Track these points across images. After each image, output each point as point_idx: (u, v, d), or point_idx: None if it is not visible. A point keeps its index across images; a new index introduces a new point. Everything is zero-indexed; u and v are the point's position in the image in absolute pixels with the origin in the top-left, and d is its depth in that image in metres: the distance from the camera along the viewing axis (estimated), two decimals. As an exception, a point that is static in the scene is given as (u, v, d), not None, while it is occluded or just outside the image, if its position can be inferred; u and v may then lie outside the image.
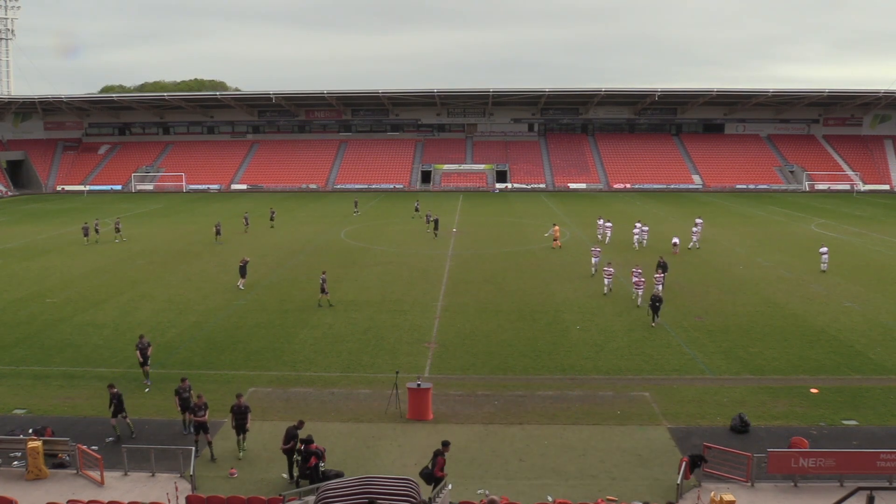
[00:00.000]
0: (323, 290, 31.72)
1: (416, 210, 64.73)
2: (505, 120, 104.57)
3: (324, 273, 32.61)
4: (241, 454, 17.69)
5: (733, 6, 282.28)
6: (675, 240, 44.76)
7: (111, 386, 18.85)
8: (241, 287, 35.52)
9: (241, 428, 17.72)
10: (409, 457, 17.73)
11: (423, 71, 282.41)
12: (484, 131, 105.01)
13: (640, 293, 31.18)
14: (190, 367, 24.04)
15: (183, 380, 19.29)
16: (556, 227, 48.37)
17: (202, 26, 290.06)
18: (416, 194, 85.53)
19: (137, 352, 22.30)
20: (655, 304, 28.82)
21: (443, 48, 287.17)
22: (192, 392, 18.92)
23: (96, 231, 50.71)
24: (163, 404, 20.71)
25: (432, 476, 15.26)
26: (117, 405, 18.54)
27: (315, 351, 25.70)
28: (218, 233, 49.41)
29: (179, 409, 19.01)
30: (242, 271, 36.02)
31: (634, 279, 31.71)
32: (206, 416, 17.91)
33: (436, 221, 53.17)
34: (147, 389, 21.95)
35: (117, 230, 51.51)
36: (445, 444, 15.77)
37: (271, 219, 58.27)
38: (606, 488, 16.11)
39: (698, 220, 48.83)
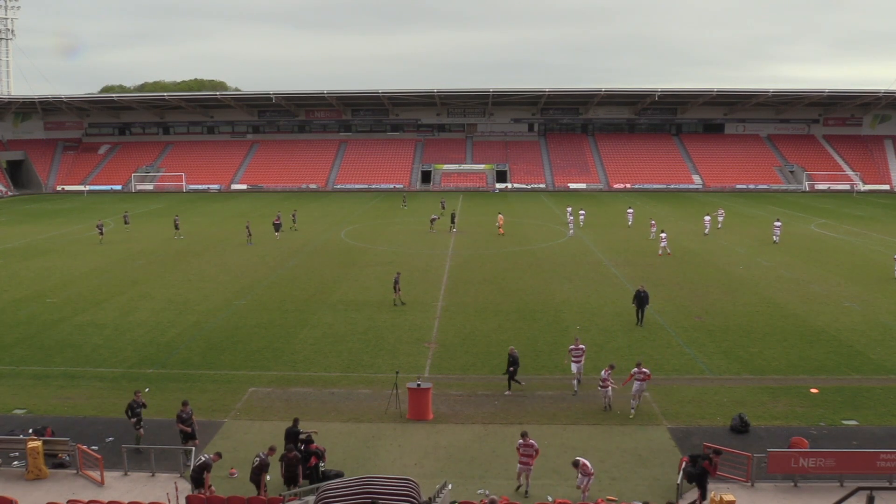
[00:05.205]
0: (395, 289, 31.87)
1: (443, 208, 65.60)
2: (505, 120, 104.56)
3: (398, 273, 32.83)
4: None
5: (733, 6, 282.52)
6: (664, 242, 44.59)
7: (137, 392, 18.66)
8: (277, 238, 49.01)
9: (292, 479, 15.84)
10: (409, 457, 17.73)
11: (423, 71, 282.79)
12: (484, 131, 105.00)
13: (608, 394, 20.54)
14: (190, 367, 24.06)
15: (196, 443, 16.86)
16: (501, 216, 54.19)
17: (202, 26, 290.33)
18: (415, 194, 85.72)
19: (179, 425, 17.69)
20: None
21: (443, 48, 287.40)
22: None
23: (125, 221, 56.47)
24: (162, 404, 20.66)
25: (704, 476, 15.23)
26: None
27: (315, 351, 25.69)
28: (249, 233, 49.24)
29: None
30: (276, 227, 49.93)
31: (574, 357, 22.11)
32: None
33: (452, 216, 56.26)
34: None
35: (176, 227, 53.17)
36: (718, 453, 15.72)
37: (293, 220, 57.25)
38: (606, 488, 16.10)
39: (777, 223, 49.28)
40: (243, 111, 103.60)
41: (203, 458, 15.48)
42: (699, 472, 15.30)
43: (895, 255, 37.99)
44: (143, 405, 18.33)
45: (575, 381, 21.89)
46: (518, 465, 16.23)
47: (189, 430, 17.64)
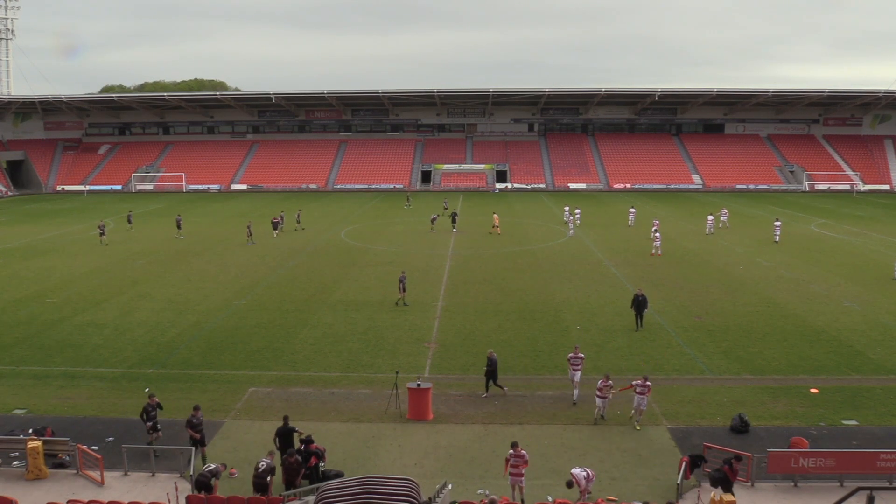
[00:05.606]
0: (401, 289, 31.74)
1: (445, 208, 65.74)
2: (505, 120, 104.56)
3: (403, 273, 32.72)
4: None
5: (733, 6, 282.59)
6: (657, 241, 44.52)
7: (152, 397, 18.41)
8: (275, 236, 50.73)
9: (291, 485, 15.89)
10: (409, 457, 17.74)
11: (423, 71, 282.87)
12: (484, 131, 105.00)
13: (602, 406, 19.76)
14: (190, 367, 24.07)
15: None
16: (496, 216, 54.17)
17: (202, 26, 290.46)
18: (416, 194, 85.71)
19: (189, 430, 17.35)
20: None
21: (443, 48, 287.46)
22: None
23: (129, 221, 56.58)
24: (163, 404, 20.65)
25: (727, 481, 14.89)
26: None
27: (315, 351, 25.70)
28: (250, 233, 49.23)
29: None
30: (275, 226, 51.97)
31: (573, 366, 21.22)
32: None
33: (453, 216, 56.16)
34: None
35: (178, 227, 52.96)
36: (738, 459, 15.48)
37: (297, 220, 56.99)
38: (606, 488, 16.10)
39: (777, 223, 49.81)
40: (243, 111, 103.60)
41: (213, 466, 15.49)
42: (721, 477, 15.05)
43: None
44: (160, 406, 18.16)
45: (575, 391, 20.98)
46: (509, 476, 15.73)
47: (198, 436, 17.26)
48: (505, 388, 21.68)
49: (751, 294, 33.58)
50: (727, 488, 14.98)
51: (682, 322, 29.02)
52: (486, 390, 21.59)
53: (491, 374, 21.39)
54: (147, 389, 21.81)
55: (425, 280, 36.94)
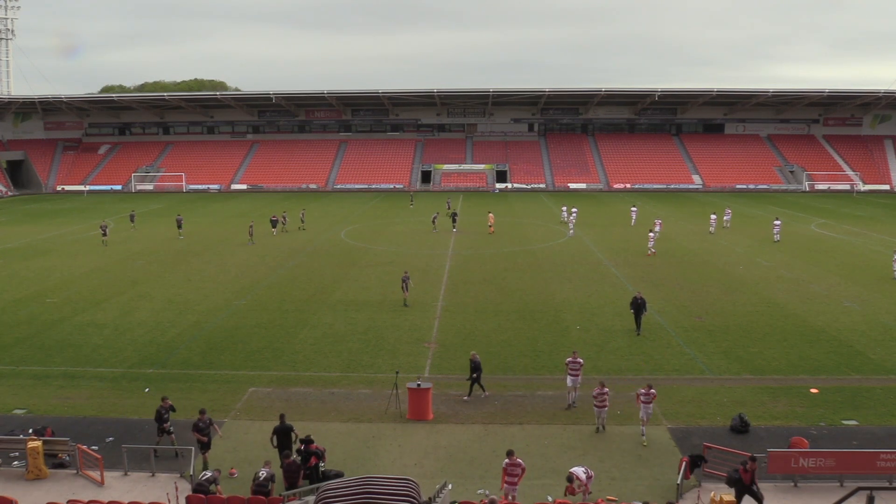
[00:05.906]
0: (404, 289, 31.82)
1: (448, 207, 65.93)
2: (505, 120, 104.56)
3: (406, 273, 32.81)
4: None
5: (733, 6, 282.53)
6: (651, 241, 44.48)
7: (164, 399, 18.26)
8: (273, 234, 51.77)
9: (294, 486, 15.83)
10: (409, 457, 17.74)
11: (423, 71, 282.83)
12: (484, 131, 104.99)
13: (602, 414, 19.13)
14: (190, 367, 24.06)
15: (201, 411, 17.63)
16: (491, 215, 54.90)
17: (202, 26, 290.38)
18: (416, 194, 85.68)
19: (195, 434, 17.14)
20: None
21: (443, 48, 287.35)
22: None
23: (131, 220, 57.16)
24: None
25: (741, 483, 14.59)
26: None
27: (315, 351, 25.70)
28: (251, 233, 49.33)
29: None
30: (273, 224, 52.93)
31: (568, 374, 20.87)
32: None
33: (453, 216, 56.21)
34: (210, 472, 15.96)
35: (179, 227, 52.91)
36: (754, 459, 14.99)
37: (302, 220, 57.04)
38: (606, 488, 16.09)
39: (777, 222, 49.99)
40: (243, 111, 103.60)
41: (209, 473, 15.46)
42: (737, 478, 14.83)
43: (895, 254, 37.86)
44: (173, 409, 18.00)
45: (572, 396, 20.56)
46: (504, 485, 15.43)
47: (205, 439, 17.04)
48: (471, 397, 21.37)
49: (751, 294, 33.58)
50: (743, 489, 14.82)
51: (682, 322, 29.02)
52: (484, 391, 21.52)
53: (477, 379, 21.23)
54: (147, 390, 21.87)
55: (425, 280, 36.93)
